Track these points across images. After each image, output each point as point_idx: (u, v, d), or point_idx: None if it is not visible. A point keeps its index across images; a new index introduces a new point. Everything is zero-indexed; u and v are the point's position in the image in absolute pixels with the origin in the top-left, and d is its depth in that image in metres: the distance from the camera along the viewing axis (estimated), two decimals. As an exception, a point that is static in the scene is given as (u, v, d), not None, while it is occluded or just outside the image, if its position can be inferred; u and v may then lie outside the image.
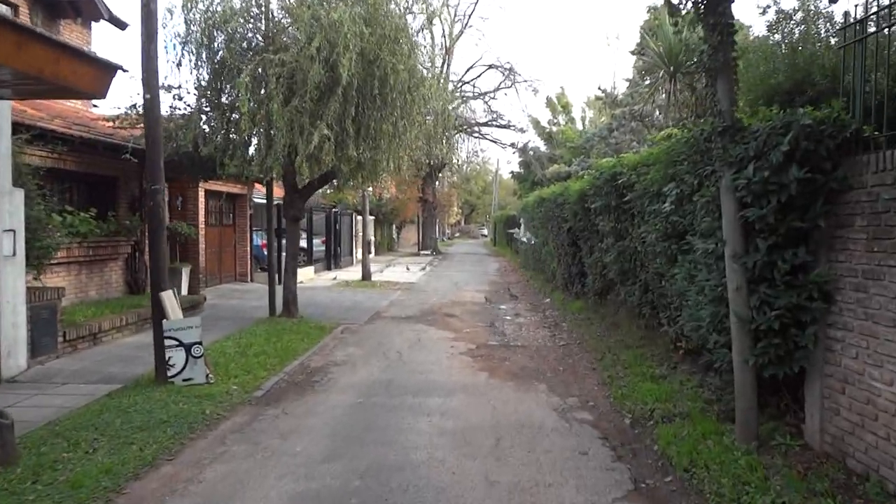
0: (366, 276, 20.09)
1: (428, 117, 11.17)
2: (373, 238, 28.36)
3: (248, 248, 18.62)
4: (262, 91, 10.02)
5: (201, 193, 15.40)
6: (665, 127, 24.67)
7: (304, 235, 25.13)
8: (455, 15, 35.44)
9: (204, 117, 11.12)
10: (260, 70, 9.97)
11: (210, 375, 7.44)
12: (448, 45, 33.83)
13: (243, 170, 10.73)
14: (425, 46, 11.12)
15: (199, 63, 10.82)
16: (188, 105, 11.50)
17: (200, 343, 7.31)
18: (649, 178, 7.66)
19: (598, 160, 16.74)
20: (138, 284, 12.54)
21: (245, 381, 7.59)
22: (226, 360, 8.44)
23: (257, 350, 9.16)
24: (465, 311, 14.10)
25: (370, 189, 33.27)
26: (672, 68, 14.05)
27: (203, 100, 11.13)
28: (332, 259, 25.75)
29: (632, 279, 9.84)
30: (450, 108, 12.63)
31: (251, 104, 9.73)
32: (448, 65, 34.30)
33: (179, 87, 11.28)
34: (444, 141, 12.87)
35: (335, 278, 21.32)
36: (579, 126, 50.79)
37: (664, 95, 17.88)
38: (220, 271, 17.70)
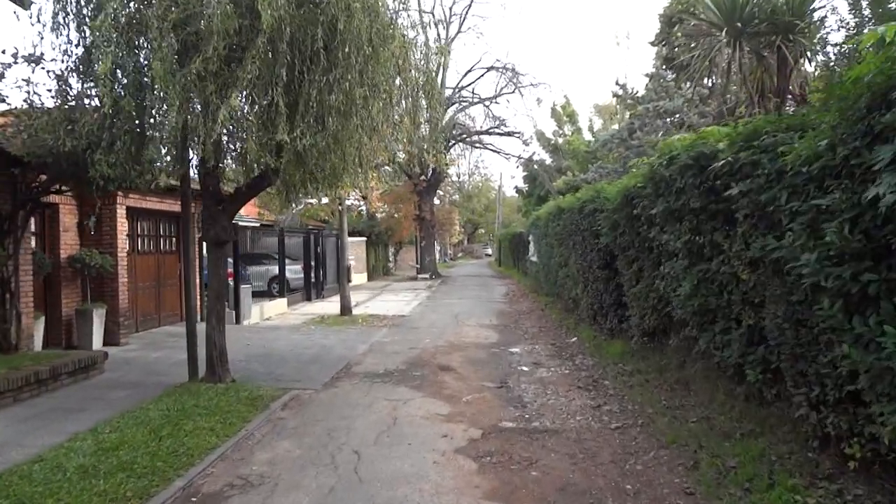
0: (345, 309, 16.48)
1: (403, 90, 7.61)
2: (352, 262, 24.80)
3: (199, 281, 15.04)
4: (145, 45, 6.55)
5: (121, 212, 11.89)
6: (696, 126, 21.12)
7: (288, 261, 21.74)
8: (451, 13, 32.18)
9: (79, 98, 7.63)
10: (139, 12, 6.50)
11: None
12: (443, 45, 30.47)
13: (129, 171, 7.20)
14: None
15: (80, 22, 7.37)
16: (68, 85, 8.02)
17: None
18: (799, 151, 4.11)
19: (645, 155, 13.26)
20: (8, 340, 8.96)
21: (44, 550, 4.00)
22: (46, 491, 4.84)
23: (123, 458, 5.57)
24: (467, 360, 10.48)
25: (355, 200, 29.74)
26: (740, 25, 10.58)
27: (81, 75, 7.65)
28: (313, 288, 22.17)
29: (724, 322, 6.26)
30: (438, 83, 9.01)
31: (116, 62, 6.27)
32: (445, 67, 30.90)
33: (40, 56, 7.82)
34: (429, 131, 9.34)
35: (311, 313, 17.73)
36: (587, 136, 47.74)
37: (710, 72, 14.28)
38: (160, 310, 14.14)
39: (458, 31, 32.64)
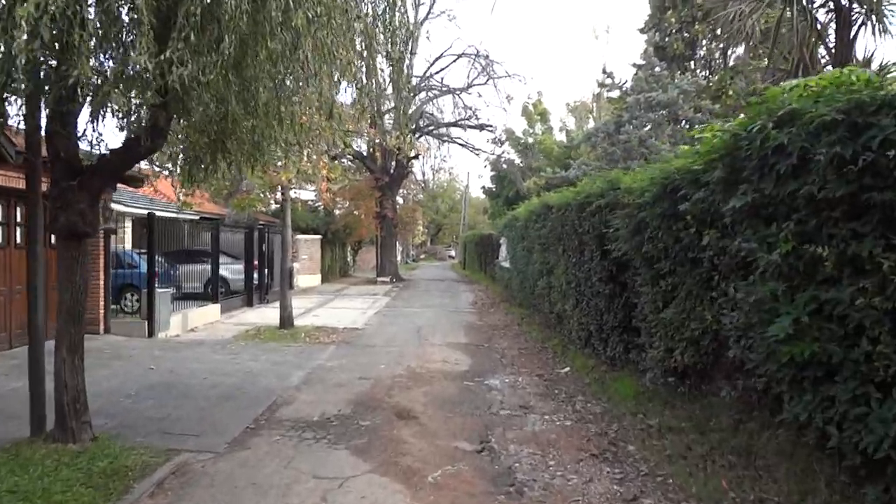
0: (286, 320, 13.73)
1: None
2: (297, 265, 22.07)
3: (102, 282, 12.23)
4: None
5: (-17, 193, 9.06)
6: (701, 122, 18.90)
7: (229, 260, 18.94)
8: (420, -5, 29.56)
9: None
10: None
11: None
12: (411, 29, 27.87)
13: None
14: None
15: None
16: None
17: None
18: None
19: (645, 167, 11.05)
20: None
21: None
22: None
23: None
24: (433, 400, 7.95)
25: (309, 193, 26.87)
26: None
27: None
28: (256, 292, 19.37)
29: (853, 384, 3.86)
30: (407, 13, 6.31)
31: None
32: (412, 53, 28.27)
33: None
34: (391, 83, 6.83)
35: (247, 323, 14.99)
36: (558, 136, 45.94)
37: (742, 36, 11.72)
38: (47, 320, 11.24)
39: (428, 14, 30.01)
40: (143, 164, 8.74)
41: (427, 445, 6.17)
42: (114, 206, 16.11)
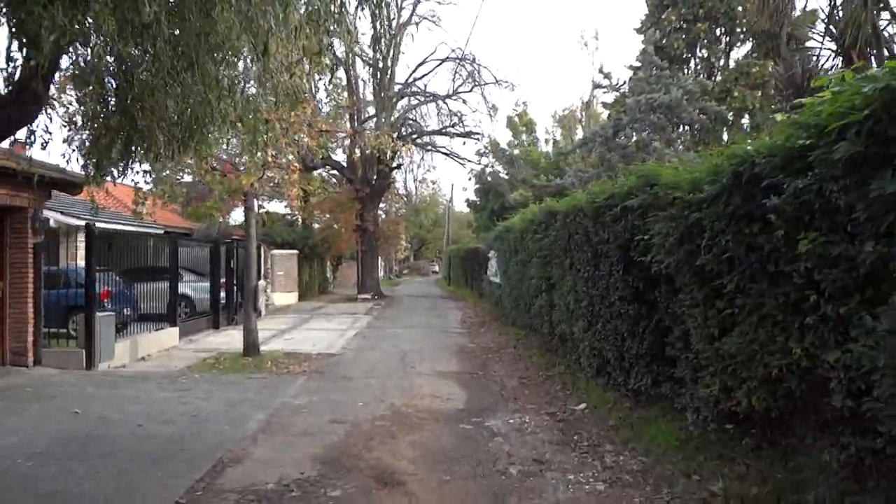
0: (250, 347, 11.98)
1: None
2: (263, 283, 20.33)
3: (32, 306, 10.45)
4: None
5: None
6: (703, 126, 17.45)
7: (195, 277, 17.18)
8: (402, -1, 28.03)
9: None
10: None
11: None
12: (393, 31, 26.32)
13: None
14: None
15: None
16: None
17: None
18: None
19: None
20: None
21: None
22: None
23: None
24: (424, 455, 6.29)
25: (281, 204, 25.08)
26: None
27: None
28: (224, 312, 17.57)
29: None
30: None
31: None
32: (394, 58, 26.77)
33: None
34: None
35: (208, 349, 13.23)
36: (543, 148, 44.79)
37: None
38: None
39: (411, 18, 28.43)
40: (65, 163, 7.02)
41: (418, 532, 4.52)
42: (58, 216, 14.36)
